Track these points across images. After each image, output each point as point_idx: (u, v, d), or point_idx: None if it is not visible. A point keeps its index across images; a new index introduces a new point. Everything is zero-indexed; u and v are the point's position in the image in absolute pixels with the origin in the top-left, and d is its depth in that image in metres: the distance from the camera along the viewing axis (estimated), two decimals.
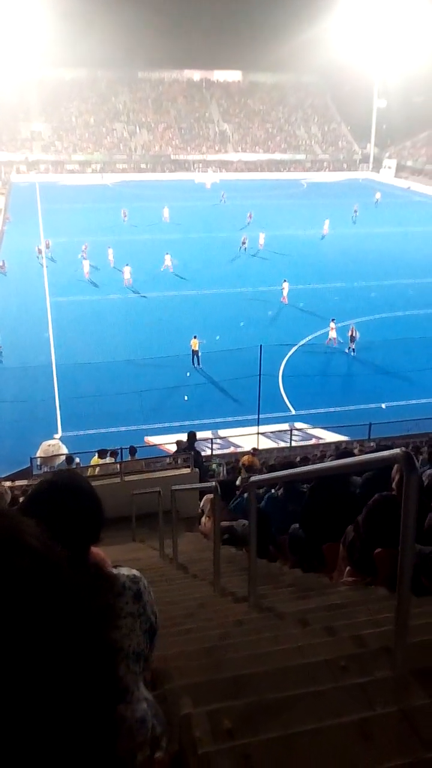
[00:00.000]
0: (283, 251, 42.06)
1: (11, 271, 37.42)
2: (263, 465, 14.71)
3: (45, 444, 17.78)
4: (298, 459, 14.37)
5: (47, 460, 17.00)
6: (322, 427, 20.83)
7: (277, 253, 41.63)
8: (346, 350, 25.85)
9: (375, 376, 24.25)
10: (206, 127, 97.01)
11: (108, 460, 15.32)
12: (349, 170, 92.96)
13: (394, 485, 4.84)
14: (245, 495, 8.36)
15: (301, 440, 20.38)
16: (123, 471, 13.88)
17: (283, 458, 15.71)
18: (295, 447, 19.55)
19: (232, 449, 19.67)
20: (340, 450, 14.42)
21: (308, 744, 2.26)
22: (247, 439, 19.85)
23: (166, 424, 20.31)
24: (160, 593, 5.79)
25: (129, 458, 15.43)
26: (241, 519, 8.61)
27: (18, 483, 15.56)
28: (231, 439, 20.29)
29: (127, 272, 34.36)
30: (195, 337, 24.67)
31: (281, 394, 22.81)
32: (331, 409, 21.53)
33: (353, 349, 25.74)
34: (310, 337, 27.69)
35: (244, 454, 17.79)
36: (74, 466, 15.55)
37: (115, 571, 1.95)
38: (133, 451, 15.68)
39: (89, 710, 0.69)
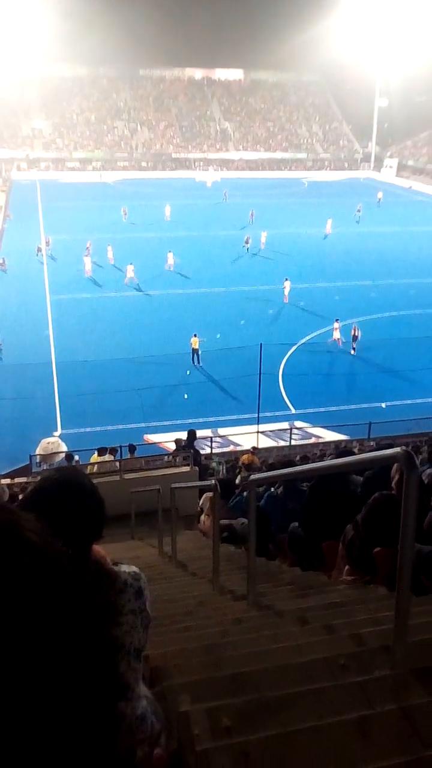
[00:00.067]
0: (284, 250, 42.04)
1: (11, 268, 37.41)
2: (263, 463, 14.71)
3: (44, 441, 17.78)
4: (297, 458, 14.38)
5: (46, 457, 17.00)
6: (321, 426, 20.83)
7: (278, 252, 41.59)
8: (352, 351, 25.80)
9: (375, 375, 24.25)
10: (207, 126, 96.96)
11: (107, 457, 15.32)
12: (350, 169, 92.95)
13: (393, 484, 4.84)
14: (245, 493, 8.36)
15: (301, 439, 20.38)
16: (122, 469, 13.89)
17: (283, 457, 15.72)
18: (295, 446, 19.55)
19: (231, 448, 19.68)
20: (340, 449, 14.42)
21: (307, 742, 2.26)
22: (246, 437, 19.86)
23: (166, 423, 20.32)
24: (159, 591, 5.80)
25: (128, 456, 15.43)
26: (241, 517, 8.62)
27: (17, 480, 15.59)
28: (231, 438, 20.30)
29: (130, 270, 34.36)
30: (195, 336, 24.67)
31: (281, 393, 22.81)
32: (331, 408, 21.53)
33: (354, 348, 25.74)
34: (310, 336, 27.69)
35: (243, 452, 17.81)
36: (73, 464, 15.54)
37: (115, 568, 1.94)
38: (132, 449, 15.69)
39: (89, 707, 0.69)
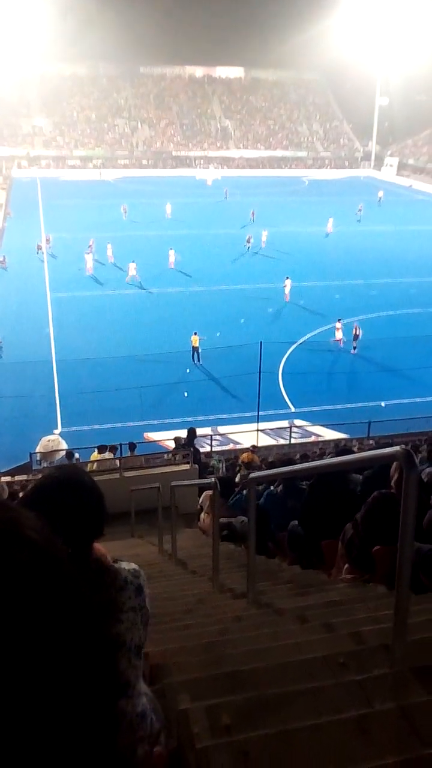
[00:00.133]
0: (285, 249, 41.99)
1: (12, 266, 37.39)
2: (262, 462, 14.72)
3: (44, 439, 17.79)
4: (297, 456, 14.38)
5: (47, 455, 17.01)
6: (321, 425, 20.84)
7: (279, 251, 41.55)
8: (352, 350, 25.78)
9: (375, 374, 24.25)
10: (208, 124, 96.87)
11: (107, 455, 15.33)
12: (350, 168, 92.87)
13: (393, 483, 4.84)
14: (244, 491, 8.37)
15: (301, 437, 20.40)
16: (122, 467, 13.89)
17: (283, 455, 15.72)
18: (295, 444, 19.56)
19: (231, 446, 19.69)
20: (340, 447, 14.43)
21: (306, 740, 2.27)
22: (246, 435, 19.87)
23: (166, 421, 20.34)
24: (159, 589, 5.81)
25: (129, 454, 15.43)
26: (240, 515, 8.62)
27: (17, 478, 15.60)
28: (230, 436, 20.31)
29: (132, 268, 34.37)
30: (195, 334, 24.67)
31: (281, 392, 22.82)
32: (331, 407, 21.53)
33: (354, 347, 25.72)
34: (310, 335, 27.69)
35: (243, 450, 17.81)
36: (74, 462, 15.54)
37: (115, 565, 1.95)
38: (132, 446, 15.69)
39: (90, 705, 0.69)
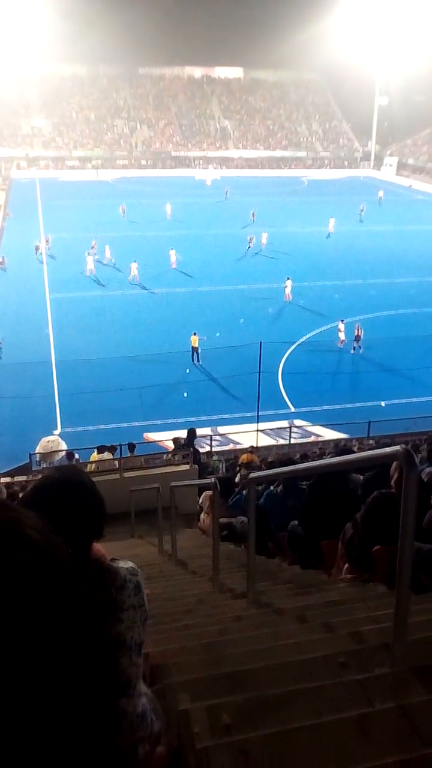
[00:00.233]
0: (286, 249, 41.97)
1: (11, 267, 37.39)
2: (262, 462, 14.72)
3: (44, 440, 17.79)
4: (297, 456, 14.38)
5: (46, 456, 17.01)
6: (321, 425, 20.85)
7: (279, 251, 41.53)
8: (352, 350, 25.77)
9: (375, 374, 24.26)
10: (207, 124, 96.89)
11: (106, 455, 15.32)
12: (350, 168, 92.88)
13: (393, 483, 4.84)
14: (244, 492, 8.37)
15: (301, 437, 20.40)
16: (122, 467, 13.89)
17: (283, 455, 15.72)
18: (295, 444, 19.57)
19: (231, 446, 19.69)
20: (340, 447, 14.43)
21: (307, 739, 2.27)
22: (246, 436, 19.88)
23: (166, 421, 20.34)
24: (159, 589, 5.81)
25: (128, 454, 15.43)
26: (240, 516, 8.62)
27: (17, 479, 15.60)
28: (230, 436, 20.31)
29: (133, 268, 34.38)
30: (195, 334, 24.67)
31: (281, 392, 22.82)
32: (331, 407, 21.53)
33: (360, 347, 25.66)
34: (310, 335, 27.69)
35: (243, 451, 17.81)
36: (73, 462, 15.55)
37: (113, 565, 1.95)
38: (132, 447, 15.69)
39: (90, 705, 0.69)
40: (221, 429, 20.53)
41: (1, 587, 0.64)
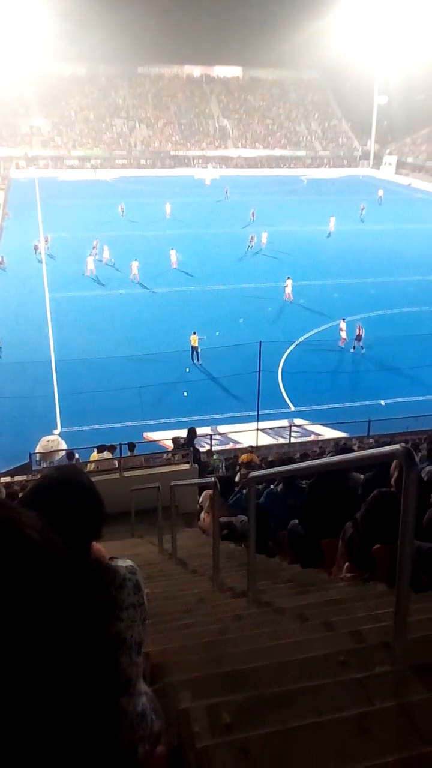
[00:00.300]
0: (286, 249, 41.94)
1: (10, 267, 37.38)
2: (262, 461, 14.73)
3: (44, 440, 17.79)
4: (297, 455, 14.38)
5: (46, 455, 17.01)
6: (321, 424, 20.85)
7: (280, 250, 41.48)
8: (352, 349, 25.76)
9: (374, 372, 24.25)
10: (206, 123, 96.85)
11: (105, 455, 15.32)
12: (349, 167, 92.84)
13: (392, 481, 4.84)
14: (244, 491, 8.37)
15: (301, 437, 20.40)
16: (122, 466, 13.89)
17: (283, 454, 15.72)
18: (294, 443, 19.57)
19: (231, 445, 19.69)
20: (340, 446, 14.43)
21: (307, 738, 2.27)
22: (246, 435, 19.88)
23: (166, 420, 20.35)
24: (159, 588, 5.81)
25: (128, 454, 15.43)
26: (240, 515, 8.62)
27: (17, 478, 15.60)
28: (230, 436, 20.31)
29: (134, 267, 34.37)
30: (194, 333, 24.66)
31: (281, 391, 22.82)
32: (331, 406, 21.53)
33: (362, 347, 25.64)
34: (309, 334, 27.68)
35: (242, 450, 17.82)
36: (73, 462, 15.55)
37: (112, 563, 1.95)
38: (132, 446, 15.69)
39: (90, 704, 0.69)
40: (221, 428, 20.53)
41: (2, 587, 0.64)
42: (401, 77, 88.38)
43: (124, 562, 1.97)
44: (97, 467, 14.68)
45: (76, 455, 16.20)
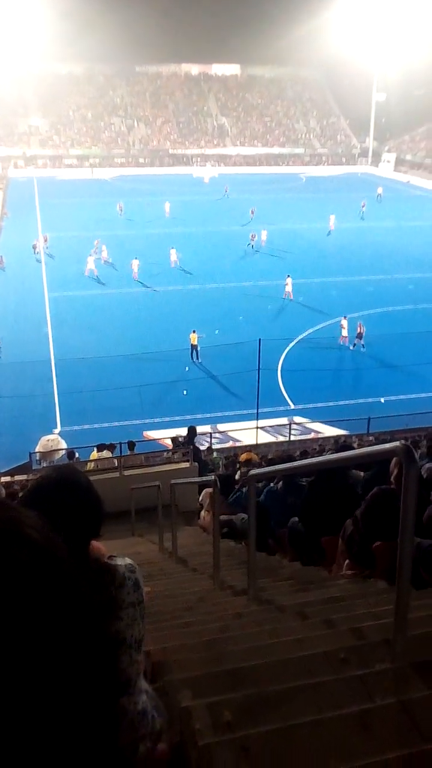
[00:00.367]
0: (286, 246, 41.88)
1: (9, 266, 37.36)
2: (262, 459, 14.73)
3: (44, 439, 17.78)
4: (297, 453, 14.38)
5: (46, 455, 16.99)
6: (321, 422, 20.85)
7: (279, 248, 41.41)
8: (352, 346, 25.75)
9: (374, 370, 24.25)
10: (204, 121, 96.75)
11: (105, 454, 15.32)
12: (347, 164, 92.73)
13: (392, 479, 4.85)
14: (244, 489, 8.37)
15: (300, 434, 20.40)
16: (122, 465, 13.89)
17: (282, 452, 15.73)
18: (294, 441, 19.57)
19: (231, 443, 19.69)
20: (340, 444, 14.43)
21: (308, 735, 2.27)
22: (246, 433, 19.88)
23: (166, 419, 20.34)
24: (159, 587, 5.81)
25: (128, 453, 15.43)
26: (241, 513, 8.62)
27: (17, 478, 15.59)
28: (230, 434, 20.31)
29: (135, 266, 34.34)
30: (194, 332, 24.66)
31: (280, 389, 22.82)
32: (330, 404, 21.53)
33: (362, 345, 25.62)
34: (309, 332, 27.68)
35: (242, 448, 17.82)
36: (73, 461, 15.55)
37: (110, 562, 1.95)
38: (131, 445, 15.69)
39: (91, 703, 0.69)
40: (221, 426, 20.54)
41: (1, 587, 0.64)
42: (399, 74, 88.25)
43: (123, 561, 1.98)
44: (97, 466, 14.68)
45: (77, 454, 16.20)
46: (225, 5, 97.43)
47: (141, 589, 1.95)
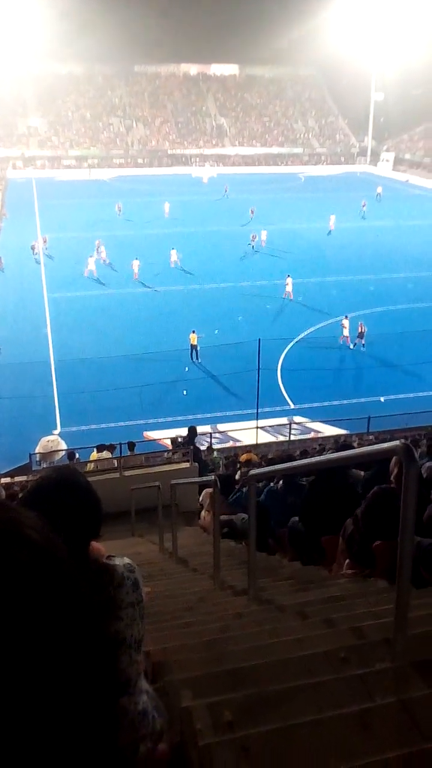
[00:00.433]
0: (285, 246, 41.84)
1: (8, 267, 37.34)
2: (262, 459, 14.73)
3: (44, 440, 17.77)
4: (297, 453, 14.39)
5: (46, 455, 16.99)
6: (321, 421, 20.84)
7: (279, 248, 41.36)
8: (352, 346, 25.74)
9: (374, 369, 24.25)
10: (203, 121, 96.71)
11: (105, 454, 15.32)
12: (346, 163, 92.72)
13: (392, 478, 4.85)
14: (244, 489, 8.38)
15: (300, 434, 20.40)
16: (122, 466, 13.89)
17: (282, 452, 15.73)
18: (294, 441, 19.56)
19: (231, 443, 19.69)
20: (340, 443, 14.43)
21: (308, 735, 2.27)
22: (246, 433, 19.88)
23: (165, 419, 20.34)
24: (160, 587, 5.81)
25: (128, 453, 15.43)
26: (241, 513, 8.62)
27: (17, 479, 15.58)
28: (230, 434, 20.31)
29: (135, 266, 34.34)
30: (194, 332, 24.66)
31: (280, 388, 22.82)
32: (330, 403, 21.53)
33: (362, 344, 25.61)
34: (308, 331, 27.68)
35: (242, 448, 17.82)
36: (74, 462, 15.55)
37: (109, 562, 1.95)
38: (131, 446, 15.69)
39: (91, 704, 0.69)
40: (221, 426, 20.53)
41: (1, 587, 0.64)
42: (397, 73, 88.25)
43: (121, 561, 1.97)
44: (97, 467, 14.68)
45: (77, 455, 16.20)
46: (223, 5, 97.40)
47: (140, 589, 1.95)
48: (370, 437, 16.89)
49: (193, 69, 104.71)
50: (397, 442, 2.90)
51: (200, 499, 11.79)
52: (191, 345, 24.60)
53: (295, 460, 9.16)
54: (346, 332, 25.96)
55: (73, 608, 0.70)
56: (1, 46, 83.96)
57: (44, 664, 0.64)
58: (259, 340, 20.13)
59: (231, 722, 2.40)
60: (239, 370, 21.98)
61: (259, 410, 19.78)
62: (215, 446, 19.09)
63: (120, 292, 33.03)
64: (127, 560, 1.99)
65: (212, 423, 20.43)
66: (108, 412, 20.52)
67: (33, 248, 39.54)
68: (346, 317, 26.43)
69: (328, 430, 20.18)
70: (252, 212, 50.58)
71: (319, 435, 20.06)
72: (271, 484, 8.76)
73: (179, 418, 19.99)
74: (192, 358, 24.62)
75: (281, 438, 20.00)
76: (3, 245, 41.92)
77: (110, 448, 15.53)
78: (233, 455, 17.51)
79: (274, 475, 8.25)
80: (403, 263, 38.53)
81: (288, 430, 20.08)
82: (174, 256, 36.86)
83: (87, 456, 15.95)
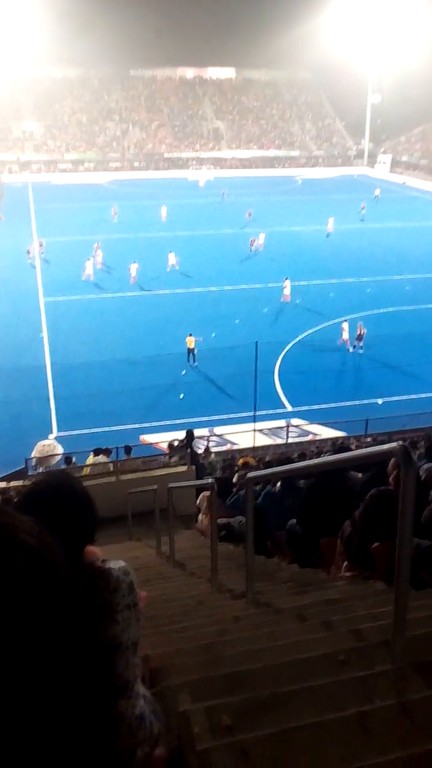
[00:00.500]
0: (284, 249, 41.88)
1: (4, 271, 37.33)
2: (259, 461, 14.72)
3: (40, 444, 17.72)
4: (295, 455, 14.37)
5: (42, 460, 16.94)
6: (318, 423, 20.84)
7: (277, 251, 41.39)
8: (351, 348, 25.76)
9: (371, 371, 24.28)
10: (199, 125, 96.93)
11: (101, 458, 15.29)
12: (343, 166, 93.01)
13: (390, 480, 4.84)
14: (242, 492, 8.37)
15: (298, 436, 20.38)
16: (119, 470, 13.86)
17: (280, 455, 15.72)
18: (292, 443, 19.55)
19: (228, 446, 19.67)
20: (337, 445, 14.43)
21: (307, 738, 2.26)
22: (243, 436, 19.86)
23: (162, 423, 20.31)
24: (157, 591, 5.80)
25: (125, 457, 15.41)
26: (238, 515, 8.62)
27: (13, 484, 15.53)
28: (227, 437, 20.29)
29: (133, 270, 34.35)
30: (190, 335, 24.65)
31: (277, 391, 22.82)
32: (328, 405, 21.53)
33: (361, 347, 25.62)
34: (305, 334, 27.70)
35: (239, 451, 17.80)
36: (70, 467, 15.53)
37: (104, 566, 1.94)
38: (128, 449, 15.67)
39: (87, 708, 0.68)
40: (218, 429, 20.52)
41: None
42: (394, 76, 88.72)
43: (116, 564, 1.97)
44: (94, 471, 14.65)
45: (73, 459, 16.17)
46: (219, 9, 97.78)
47: (135, 592, 1.94)
48: (368, 439, 16.86)
49: (189, 72, 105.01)
50: (394, 444, 2.90)
51: (197, 502, 11.79)
52: (188, 348, 24.59)
53: (293, 462, 9.16)
54: (345, 335, 25.97)
55: (70, 612, 0.70)
56: None
57: (42, 668, 0.64)
58: (257, 343, 20.13)
59: (229, 726, 2.39)
60: (236, 373, 21.98)
61: (257, 413, 19.77)
62: (212, 449, 19.07)
63: (116, 295, 33.03)
64: (121, 563, 1.98)
65: (209, 426, 20.42)
66: (105, 415, 20.49)
67: (29, 252, 39.52)
68: (346, 320, 26.46)
69: (326, 433, 20.16)
70: (249, 214, 50.64)
71: (317, 437, 20.05)
72: (269, 486, 8.75)
73: (176, 421, 19.96)
74: (189, 362, 24.62)
75: (279, 440, 19.98)
76: None
77: (106, 452, 15.51)
78: (230, 458, 17.48)
79: (271, 478, 8.24)
80: (402, 265, 38.61)
81: (285, 433, 20.07)
82: (172, 259, 36.87)
83: (84, 460, 15.92)
